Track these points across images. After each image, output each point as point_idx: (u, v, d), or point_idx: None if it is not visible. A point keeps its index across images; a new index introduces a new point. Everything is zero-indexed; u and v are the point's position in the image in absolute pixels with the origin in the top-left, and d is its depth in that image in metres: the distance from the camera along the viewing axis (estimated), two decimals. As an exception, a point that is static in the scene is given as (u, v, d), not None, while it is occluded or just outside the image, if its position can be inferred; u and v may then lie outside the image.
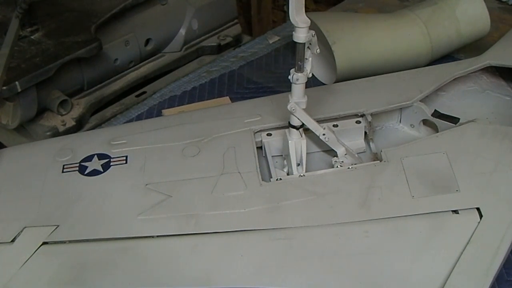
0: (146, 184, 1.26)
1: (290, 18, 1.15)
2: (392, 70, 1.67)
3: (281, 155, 1.42)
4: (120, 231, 1.17)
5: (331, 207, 1.19)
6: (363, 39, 1.78)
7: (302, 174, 1.28)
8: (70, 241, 1.17)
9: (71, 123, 1.82)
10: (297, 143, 1.31)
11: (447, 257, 1.09)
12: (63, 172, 1.31)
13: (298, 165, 1.32)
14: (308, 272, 1.10)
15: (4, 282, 1.09)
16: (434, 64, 1.76)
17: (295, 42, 1.18)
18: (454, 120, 1.43)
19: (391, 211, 1.17)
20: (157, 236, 1.16)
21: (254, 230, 1.16)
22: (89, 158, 1.34)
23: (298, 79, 1.22)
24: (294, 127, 1.31)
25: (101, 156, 1.35)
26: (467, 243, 1.10)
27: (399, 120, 1.53)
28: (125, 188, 1.26)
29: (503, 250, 1.09)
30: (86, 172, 1.31)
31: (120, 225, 1.18)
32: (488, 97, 1.63)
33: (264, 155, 1.41)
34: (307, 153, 1.33)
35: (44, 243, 1.16)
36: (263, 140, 1.41)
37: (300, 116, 1.28)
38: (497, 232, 1.12)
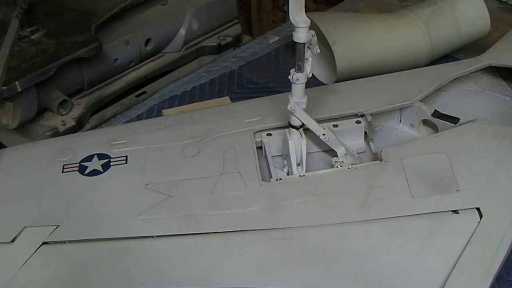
0: (146, 184, 1.26)
1: (290, 18, 1.15)
2: (392, 70, 1.67)
3: (281, 155, 1.42)
4: (120, 231, 1.17)
5: (331, 207, 1.19)
6: (363, 39, 1.78)
7: (302, 174, 1.28)
8: (70, 241, 1.17)
9: (71, 123, 1.82)
10: (297, 143, 1.31)
11: (447, 257, 1.09)
12: (63, 172, 1.31)
13: (298, 165, 1.32)
14: (308, 272, 1.10)
15: (4, 282, 1.09)
16: (434, 64, 1.76)
17: (295, 42, 1.18)
18: (454, 120, 1.43)
19: (391, 211, 1.17)
20: (157, 236, 1.16)
21: (254, 230, 1.16)
22: (89, 158, 1.34)
23: (298, 79, 1.22)
24: (294, 127, 1.31)
25: (101, 156, 1.35)
26: (467, 243, 1.10)
27: (399, 120, 1.53)
28: (125, 188, 1.26)
29: (503, 250, 1.09)
30: (86, 172, 1.31)
31: (120, 225, 1.18)
32: (488, 97, 1.63)
33: (264, 155, 1.41)
34: (307, 153, 1.33)
35: (44, 243, 1.16)
36: (263, 140, 1.41)
37: (300, 116, 1.28)
38: (497, 232, 1.12)
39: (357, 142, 1.45)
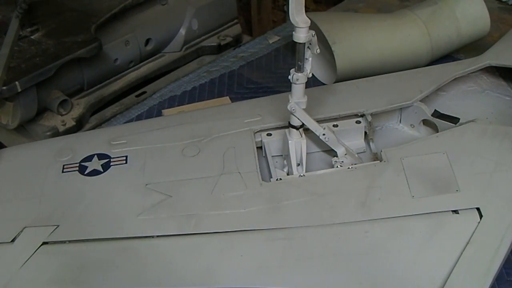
0: (146, 184, 1.26)
1: (290, 18, 1.15)
2: (392, 70, 1.67)
3: (281, 155, 1.42)
4: (120, 231, 1.17)
5: (331, 207, 1.19)
6: (363, 39, 1.78)
7: (302, 174, 1.28)
8: (70, 241, 1.17)
9: (71, 123, 1.82)
10: (297, 143, 1.31)
11: (447, 257, 1.09)
12: (63, 172, 1.31)
13: (298, 165, 1.32)
14: (308, 272, 1.10)
15: (4, 282, 1.09)
16: (434, 64, 1.76)
17: (295, 42, 1.18)
18: (454, 120, 1.43)
19: (391, 211, 1.17)
20: (157, 236, 1.16)
21: (254, 230, 1.16)
22: (89, 158, 1.34)
23: (298, 79, 1.23)
24: (294, 127, 1.31)
25: (101, 156, 1.35)
26: (467, 243, 1.10)
27: (399, 120, 1.53)
28: (125, 188, 1.26)
29: (503, 250, 1.09)
30: (86, 172, 1.31)
31: (120, 225, 1.18)
32: (488, 97, 1.64)
33: (264, 155, 1.41)
34: (307, 153, 1.33)
35: (44, 243, 1.16)
36: (263, 140, 1.41)
37: (300, 116, 1.28)
38: (497, 232, 1.12)
39: (357, 142, 1.45)
